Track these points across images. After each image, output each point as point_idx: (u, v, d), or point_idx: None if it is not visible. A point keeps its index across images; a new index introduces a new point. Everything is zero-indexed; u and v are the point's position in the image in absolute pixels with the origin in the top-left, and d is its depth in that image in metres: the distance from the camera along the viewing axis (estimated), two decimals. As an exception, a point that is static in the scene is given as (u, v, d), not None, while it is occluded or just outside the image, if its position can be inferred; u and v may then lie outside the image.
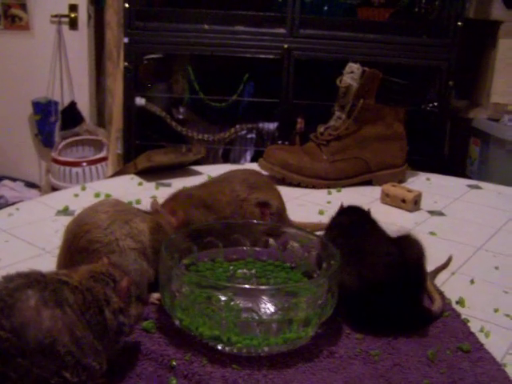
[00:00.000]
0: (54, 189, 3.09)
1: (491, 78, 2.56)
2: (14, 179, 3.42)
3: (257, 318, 0.63)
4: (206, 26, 2.29)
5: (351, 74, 1.37)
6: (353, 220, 0.82)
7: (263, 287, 0.63)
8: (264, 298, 0.65)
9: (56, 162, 3.17)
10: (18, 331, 0.50)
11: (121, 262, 0.71)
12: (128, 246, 0.73)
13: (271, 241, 0.83)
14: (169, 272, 0.67)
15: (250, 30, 2.29)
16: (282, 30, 2.29)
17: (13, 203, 2.84)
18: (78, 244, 0.72)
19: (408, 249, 0.74)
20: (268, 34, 2.29)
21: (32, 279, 0.55)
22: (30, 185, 3.45)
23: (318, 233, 0.85)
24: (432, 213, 1.23)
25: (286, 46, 2.28)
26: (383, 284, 0.71)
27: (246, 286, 0.65)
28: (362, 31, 2.29)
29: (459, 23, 2.24)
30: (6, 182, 3.37)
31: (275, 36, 2.29)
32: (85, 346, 0.53)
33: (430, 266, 0.91)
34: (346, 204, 0.86)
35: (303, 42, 2.29)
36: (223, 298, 0.64)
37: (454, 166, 2.62)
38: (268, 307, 0.64)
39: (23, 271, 0.57)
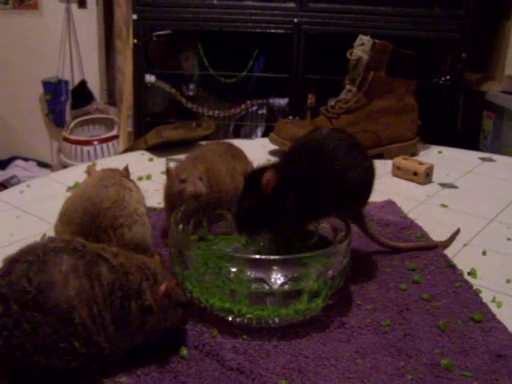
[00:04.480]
0: (66, 168, 3.10)
1: (505, 50, 2.51)
2: (26, 159, 3.43)
3: (267, 288, 0.63)
4: (215, 1, 2.27)
5: (362, 47, 1.35)
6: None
7: (272, 257, 0.63)
8: (274, 268, 0.65)
9: (67, 140, 3.17)
10: (42, 289, 0.51)
11: (143, 232, 0.74)
12: (142, 212, 0.75)
13: None
14: (179, 244, 0.67)
15: (260, 4, 2.27)
16: (291, 4, 2.26)
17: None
18: (102, 223, 0.70)
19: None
20: (278, 8, 2.27)
21: (72, 246, 0.55)
22: (42, 164, 3.46)
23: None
24: (444, 185, 1.21)
25: (296, 20, 2.25)
26: None
27: (256, 256, 0.65)
28: (373, 4, 2.26)
29: (472, -7, 2.20)
30: (19, 161, 3.38)
31: (285, 10, 2.27)
32: (99, 324, 0.53)
33: (441, 238, 0.92)
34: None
35: (313, 16, 2.26)
36: (233, 270, 0.64)
37: (467, 139, 2.59)
38: (278, 278, 0.64)
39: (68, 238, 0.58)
